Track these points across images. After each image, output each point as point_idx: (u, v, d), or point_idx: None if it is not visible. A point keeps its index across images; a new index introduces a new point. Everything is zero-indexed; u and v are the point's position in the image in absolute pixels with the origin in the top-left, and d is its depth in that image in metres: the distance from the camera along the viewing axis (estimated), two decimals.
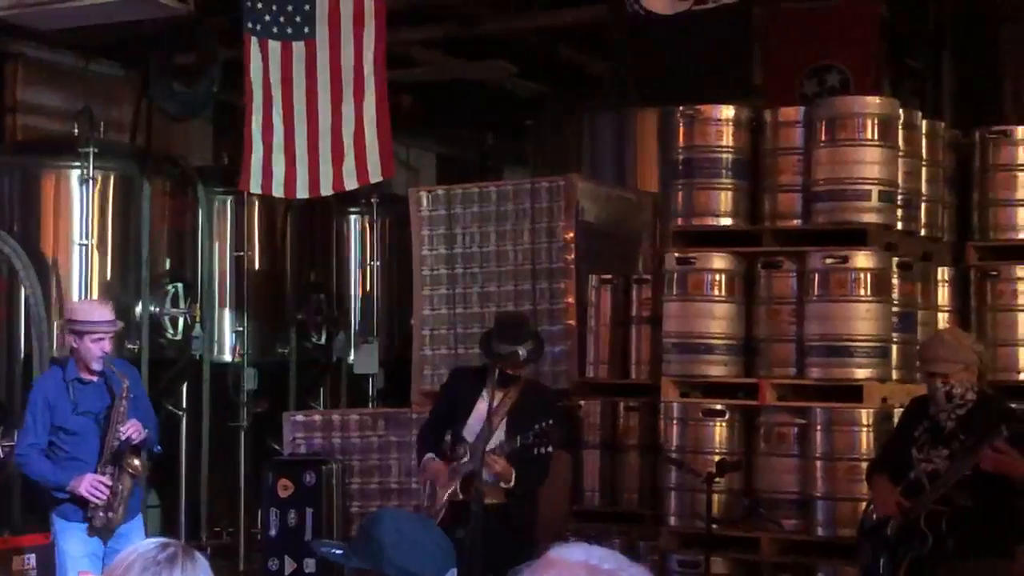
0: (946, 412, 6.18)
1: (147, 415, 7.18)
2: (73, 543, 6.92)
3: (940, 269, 8.20)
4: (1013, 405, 6.89)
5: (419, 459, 6.96)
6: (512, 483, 6.57)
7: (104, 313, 7.02)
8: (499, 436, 6.62)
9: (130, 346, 9.65)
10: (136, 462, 6.93)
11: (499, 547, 6.39)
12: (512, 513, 6.67)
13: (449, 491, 6.66)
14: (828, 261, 7.50)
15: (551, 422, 6.53)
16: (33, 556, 8.41)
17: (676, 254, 7.89)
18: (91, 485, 6.83)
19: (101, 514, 6.87)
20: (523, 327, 6.93)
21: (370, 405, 10.80)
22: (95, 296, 9.48)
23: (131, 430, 6.86)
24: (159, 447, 7.41)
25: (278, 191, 9.14)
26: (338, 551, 3.62)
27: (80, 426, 6.94)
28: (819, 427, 7.44)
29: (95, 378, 6.97)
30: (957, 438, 6.16)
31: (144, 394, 7.38)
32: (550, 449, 6.56)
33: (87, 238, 9.68)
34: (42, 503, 7.41)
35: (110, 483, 6.87)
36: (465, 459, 6.64)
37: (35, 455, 6.97)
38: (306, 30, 8.95)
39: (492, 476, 6.55)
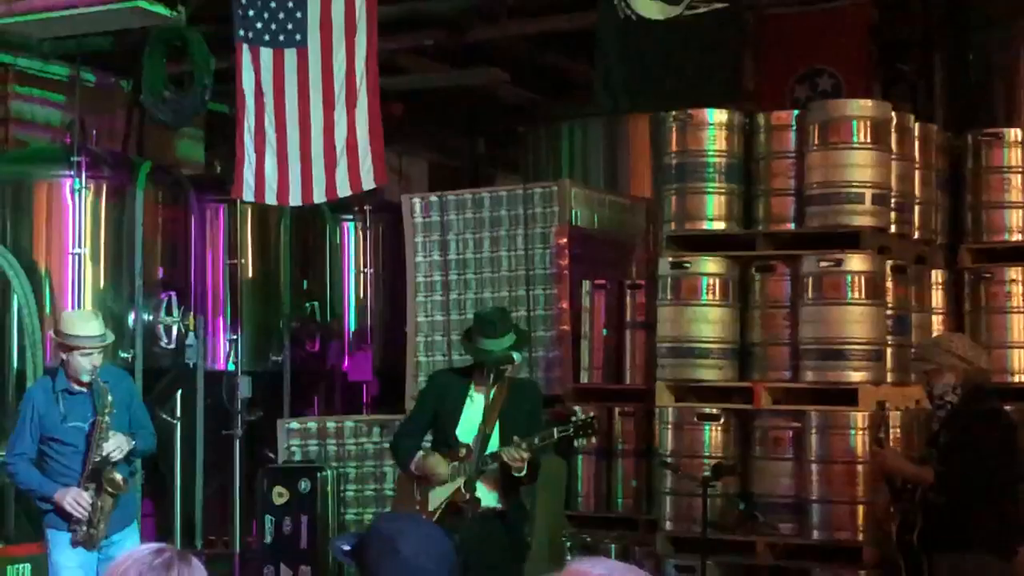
0: (934, 412, 6.50)
1: (141, 422, 7.14)
2: (65, 554, 6.89)
3: (934, 272, 8.23)
4: (1009, 407, 6.95)
5: (403, 460, 6.71)
6: (523, 473, 6.43)
7: (93, 328, 6.91)
8: (495, 435, 6.52)
9: (124, 355, 9.64)
10: (118, 478, 6.84)
11: (495, 552, 6.38)
12: (509, 514, 6.61)
13: (449, 493, 6.53)
14: (822, 264, 7.50)
15: (593, 415, 6.52)
16: (28, 566, 8.40)
17: (670, 258, 7.90)
18: (73, 499, 6.79)
19: (83, 529, 6.84)
20: (504, 321, 6.77)
21: (364, 412, 10.78)
22: (88, 306, 9.46)
23: (112, 447, 6.82)
24: (136, 459, 7.28)
25: (271, 199, 9.13)
26: (346, 546, 3.59)
27: (70, 436, 6.90)
28: (814, 430, 7.44)
29: (84, 389, 6.93)
30: (939, 441, 6.41)
31: (138, 401, 7.29)
32: (594, 441, 6.59)
33: (80, 247, 9.66)
34: (33, 512, 7.38)
35: (91, 500, 6.82)
36: (481, 460, 6.46)
37: (23, 464, 6.95)
38: (298, 37, 8.95)
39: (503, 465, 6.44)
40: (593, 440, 6.67)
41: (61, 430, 6.90)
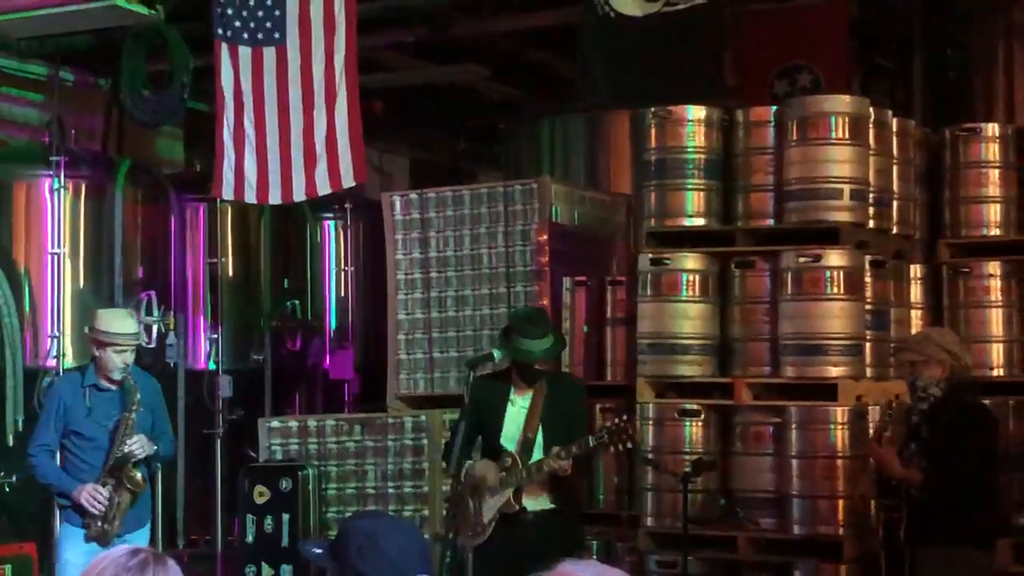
0: (915, 405, 6.50)
1: (162, 427, 7.25)
2: (75, 551, 6.96)
3: (912, 267, 8.25)
4: (987, 401, 6.98)
5: (456, 471, 6.57)
6: (569, 471, 6.40)
7: (129, 325, 7.09)
8: (539, 438, 6.53)
9: None
10: (137, 476, 6.96)
11: (553, 550, 6.35)
12: (564, 511, 6.61)
13: (501, 504, 6.52)
14: (801, 260, 7.52)
15: (625, 418, 6.44)
16: (9, 567, 8.38)
17: (650, 255, 7.91)
18: (89, 495, 6.89)
19: (98, 524, 6.92)
20: (544, 322, 6.77)
21: (346, 410, 10.77)
22: (67, 306, 9.48)
23: (136, 445, 6.91)
24: (157, 465, 7.34)
25: (251, 197, 9.12)
26: (317, 550, 3.63)
27: (92, 432, 7.01)
28: (794, 425, 7.45)
29: (112, 387, 7.03)
30: (921, 435, 6.44)
31: (162, 405, 7.40)
32: (630, 445, 6.50)
33: (59, 247, 9.63)
34: (15, 513, 7.38)
35: (108, 495, 6.90)
36: (519, 470, 6.47)
37: (44, 456, 7.08)
38: (276, 35, 8.93)
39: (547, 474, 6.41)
40: (629, 446, 6.53)
41: (84, 425, 7.01)
